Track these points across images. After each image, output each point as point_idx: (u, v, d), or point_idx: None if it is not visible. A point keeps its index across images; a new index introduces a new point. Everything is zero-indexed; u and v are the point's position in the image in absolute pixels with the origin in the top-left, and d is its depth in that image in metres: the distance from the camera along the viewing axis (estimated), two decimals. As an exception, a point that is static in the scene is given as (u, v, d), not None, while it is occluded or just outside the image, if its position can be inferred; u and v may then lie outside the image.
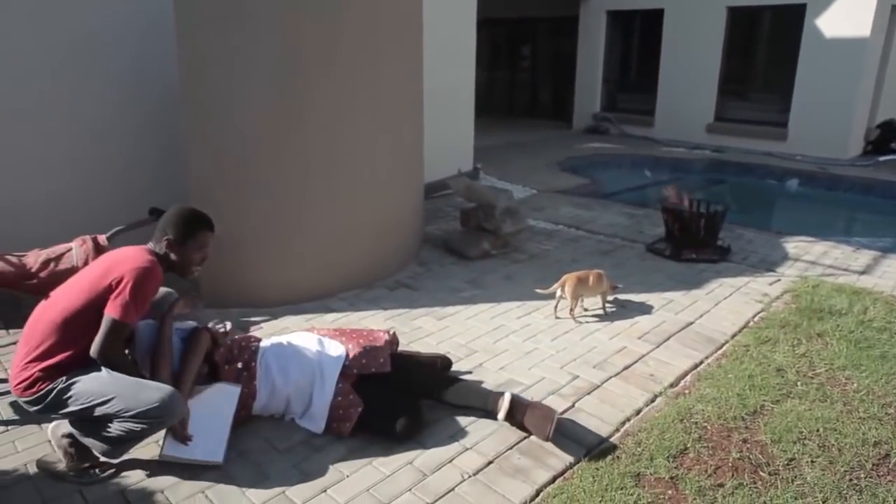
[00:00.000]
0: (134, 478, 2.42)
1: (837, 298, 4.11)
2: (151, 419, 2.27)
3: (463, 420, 2.79)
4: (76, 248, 3.26)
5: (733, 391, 3.02)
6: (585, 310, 3.99)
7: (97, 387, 2.27)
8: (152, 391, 2.31)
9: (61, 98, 4.34)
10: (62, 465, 2.42)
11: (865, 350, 3.44)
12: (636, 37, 12.46)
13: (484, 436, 2.69)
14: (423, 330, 3.71)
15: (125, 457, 2.43)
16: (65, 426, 2.41)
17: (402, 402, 2.72)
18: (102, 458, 2.40)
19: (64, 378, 2.27)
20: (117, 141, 4.62)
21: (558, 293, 3.85)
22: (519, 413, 2.69)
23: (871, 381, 3.12)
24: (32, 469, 2.46)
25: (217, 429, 2.54)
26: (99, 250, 3.24)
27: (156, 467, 2.45)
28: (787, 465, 2.52)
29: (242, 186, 3.82)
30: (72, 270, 3.16)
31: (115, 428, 2.29)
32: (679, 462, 2.54)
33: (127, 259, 2.33)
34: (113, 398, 2.25)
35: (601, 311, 3.96)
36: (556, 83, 14.09)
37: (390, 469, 2.49)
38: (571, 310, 3.85)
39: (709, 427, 2.76)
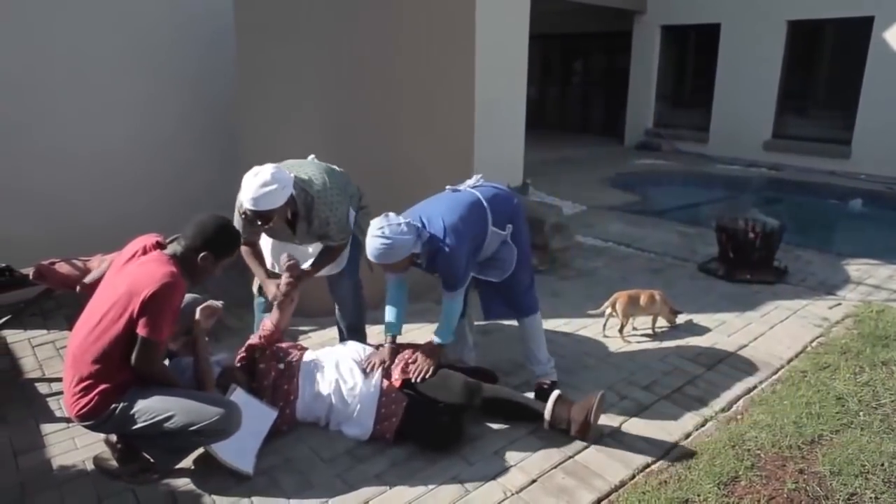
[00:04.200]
0: (183, 480, 2.48)
1: (904, 325, 3.91)
2: (215, 432, 2.35)
3: (507, 437, 2.77)
4: (137, 255, 3.39)
5: (789, 418, 2.90)
6: (635, 329, 3.91)
7: (157, 404, 2.33)
8: (211, 404, 2.38)
9: (132, 105, 4.59)
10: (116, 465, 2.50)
11: (934, 381, 3.26)
12: (691, 52, 12.25)
13: (528, 453, 2.66)
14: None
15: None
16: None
17: (443, 411, 2.74)
18: (153, 461, 2.47)
19: (123, 398, 2.33)
20: (180, 144, 4.87)
21: (608, 311, 3.79)
22: (564, 407, 2.73)
23: (941, 413, 2.95)
24: (90, 466, 2.56)
25: (250, 444, 2.59)
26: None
27: (204, 472, 2.52)
28: (848, 499, 2.40)
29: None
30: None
31: (177, 442, 2.37)
32: (730, 490, 2.45)
33: (148, 277, 2.27)
34: (174, 414, 2.31)
35: (650, 331, 3.88)
36: (609, 98, 13.96)
37: (433, 483, 2.48)
38: (622, 328, 3.78)
39: (762, 455, 2.66)
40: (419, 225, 2.74)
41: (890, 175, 9.30)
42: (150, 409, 2.32)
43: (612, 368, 3.42)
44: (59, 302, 4.06)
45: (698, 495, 2.40)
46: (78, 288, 3.13)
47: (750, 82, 10.79)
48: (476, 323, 3.99)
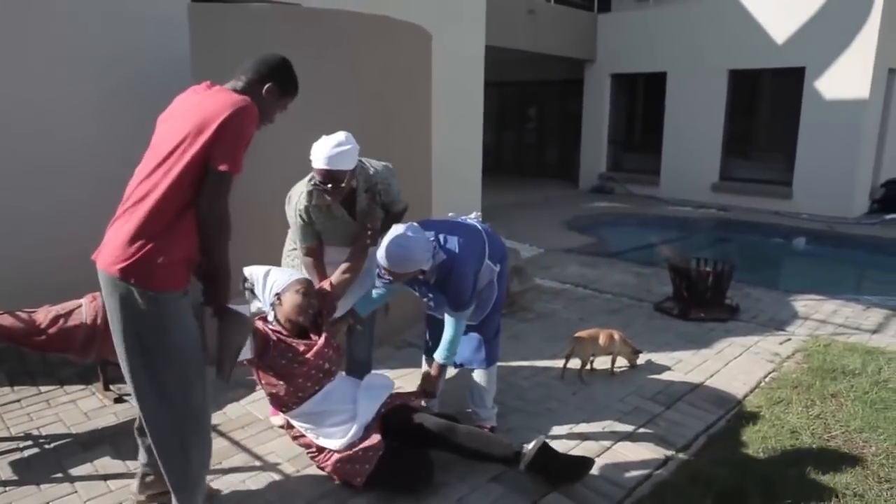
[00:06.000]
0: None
1: (850, 358, 4.05)
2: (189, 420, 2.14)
3: (470, 484, 2.73)
4: (86, 305, 3.27)
5: (747, 454, 2.95)
6: (594, 369, 3.94)
7: (190, 339, 2.09)
8: (200, 392, 2.15)
9: (87, 148, 4.49)
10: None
11: (882, 412, 3.36)
12: (640, 99, 12.77)
13: (492, 500, 2.62)
14: (430, 389, 3.66)
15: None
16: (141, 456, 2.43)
17: (412, 455, 2.69)
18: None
19: (173, 278, 2.03)
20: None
21: (567, 352, 3.81)
22: (549, 456, 2.67)
23: (891, 443, 3.04)
24: (29, 532, 2.41)
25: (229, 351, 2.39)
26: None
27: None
28: (806, 532, 2.43)
29: (249, 234, 3.86)
30: (80, 327, 3.18)
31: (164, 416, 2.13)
32: (693, 529, 2.45)
33: (221, 104, 2.03)
34: (179, 361, 2.07)
35: (609, 372, 3.91)
36: (563, 143, 14.37)
37: (395, 534, 2.42)
38: (581, 368, 3.81)
39: (723, 492, 2.68)
40: (436, 242, 2.80)
41: (829, 214, 9.77)
42: (182, 328, 2.05)
43: (573, 410, 3.43)
44: (0, 356, 3.88)
45: (662, 536, 2.40)
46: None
47: (696, 127, 11.28)
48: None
